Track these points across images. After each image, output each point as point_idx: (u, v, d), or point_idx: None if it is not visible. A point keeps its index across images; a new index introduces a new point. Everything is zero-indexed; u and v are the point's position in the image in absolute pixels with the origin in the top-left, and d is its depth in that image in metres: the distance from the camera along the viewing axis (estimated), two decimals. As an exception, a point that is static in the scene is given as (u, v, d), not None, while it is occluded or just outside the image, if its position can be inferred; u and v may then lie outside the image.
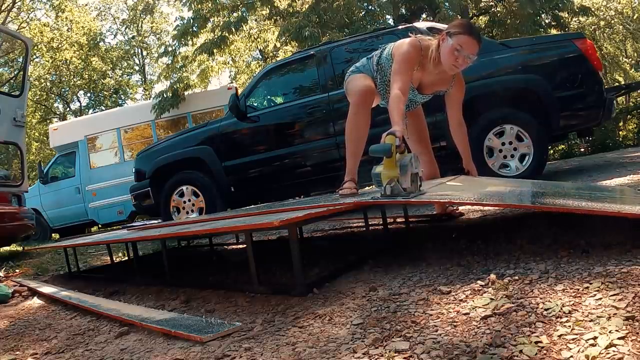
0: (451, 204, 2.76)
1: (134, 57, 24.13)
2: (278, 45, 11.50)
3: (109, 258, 3.53)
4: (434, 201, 2.50)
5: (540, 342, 1.00)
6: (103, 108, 20.58)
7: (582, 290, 1.22)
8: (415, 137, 2.72)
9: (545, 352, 0.97)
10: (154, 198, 4.61)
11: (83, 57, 19.75)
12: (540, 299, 1.23)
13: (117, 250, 4.09)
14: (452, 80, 2.44)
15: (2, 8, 16.65)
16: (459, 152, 3.22)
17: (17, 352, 1.75)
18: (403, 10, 10.74)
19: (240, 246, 3.48)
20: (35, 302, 2.72)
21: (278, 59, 10.16)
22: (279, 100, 4.81)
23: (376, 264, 1.94)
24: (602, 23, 16.73)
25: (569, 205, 1.56)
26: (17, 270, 4.00)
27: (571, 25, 12.47)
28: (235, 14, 10.41)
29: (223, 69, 15.31)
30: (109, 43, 23.69)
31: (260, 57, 16.58)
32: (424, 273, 1.69)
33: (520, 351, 0.98)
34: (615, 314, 1.05)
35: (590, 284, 1.25)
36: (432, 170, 2.77)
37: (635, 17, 17.01)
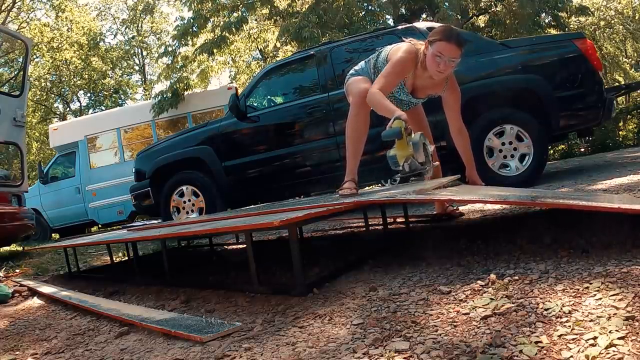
0: (452, 202, 2.77)
1: (134, 57, 24.14)
2: (278, 45, 11.50)
3: (109, 258, 3.53)
4: (435, 199, 2.51)
5: (540, 342, 1.00)
6: (103, 108, 20.59)
7: (582, 290, 1.22)
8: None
9: (545, 352, 0.97)
10: (154, 198, 4.60)
11: (83, 57, 19.74)
12: (540, 299, 1.23)
13: (117, 250, 4.09)
14: (445, 84, 2.45)
15: (2, 8, 16.65)
16: (458, 152, 3.17)
17: (17, 352, 1.75)
18: (403, 10, 10.73)
19: (240, 246, 3.48)
20: (35, 302, 2.72)
21: (278, 59, 10.16)
22: (279, 100, 4.81)
23: (376, 264, 1.94)
24: (602, 23, 16.71)
25: (570, 202, 1.56)
26: (17, 270, 4.00)
27: (571, 25, 12.46)
28: (235, 14, 10.42)
29: (223, 69, 15.35)
30: (109, 43, 23.72)
31: (260, 57, 16.59)
32: (424, 273, 1.70)
33: (520, 351, 0.98)
34: (615, 314, 1.05)
35: (590, 284, 1.25)
36: (435, 169, 2.77)
37: (635, 17, 17.01)
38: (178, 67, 10.99)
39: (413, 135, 1.93)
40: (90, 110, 21.33)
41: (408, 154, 1.89)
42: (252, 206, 4.29)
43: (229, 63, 15.79)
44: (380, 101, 2.18)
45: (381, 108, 2.17)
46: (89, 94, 22.41)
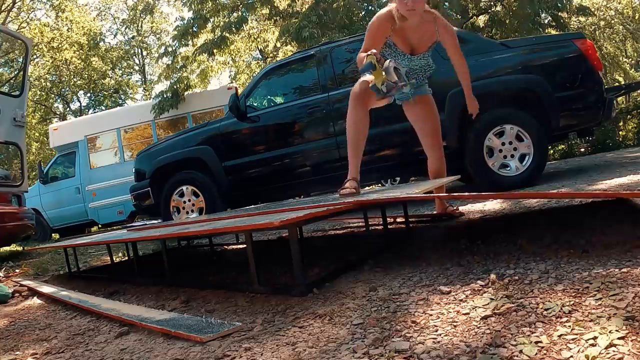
0: (454, 198, 2.77)
1: (134, 57, 24.16)
2: (278, 45, 11.50)
3: (109, 258, 3.53)
4: (435, 197, 2.51)
5: (540, 342, 1.00)
6: (103, 108, 20.60)
7: (582, 290, 1.22)
8: (425, 130, 2.69)
9: (545, 352, 0.97)
10: (154, 198, 4.60)
11: (83, 57, 19.75)
12: (540, 299, 1.23)
13: (117, 250, 4.09)
14: (435, 27, 2.48)
15: (2, 8, 16.65)
16: (458, 150, 3.18)
17: (17, 352, 1.75)
18: (403, 10, 10.72)
19: (240, 246, 3.49)
20: (35, 302, 2.72)
21: (278, 59, 10.16)
22: (279, 100, 4.81)
23: (376, 264, 1.94)
24: (602, 23, 16.71)
25: (571, 191, 1.56)
26: (17, 270, 4.00)
27: (571, 26, 12.45)
28: (235, 14, 10.41)
29: (223, 69, 15.34)
30: (109, 43, 23.74)
31: (260, 57, 16.59)
32: (424, 273, 1.70)
33: (520, 351, 0.98)
34: (615, 314, 1.05)
35: (590, 284, 1.25)
36: (440, 168, 2.72)
37: (635, 17, 17.00)
38: (178, 67, 10.99)
39: (384, 62, 2.22)
40: (90, 110, 21.35)
41: (383, 78, 2.20)
42: (252, 206, 4.29)
43: (229, 63, 15.78)
44: (359, 55, 2.34)
45: (360, 60, 2.31)
46: (89, 94, 22.43)
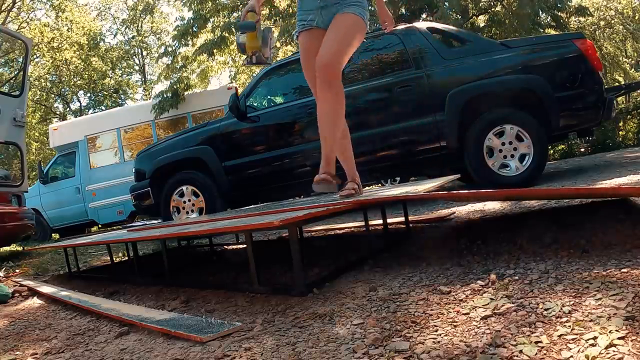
0: (455, 197, 2.77)
1: (134, 57, 24.16)
2: (278, 45, 11.50)
3: (109, 258, 3.53)
4: (434, 197, 2.51)
5: (540, 342, 1.00)
6: (103, 108, 20.61)
7: (582, 290, 1.22)
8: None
9: (545, 352, 0.97)
10: (154, 198, 4.60)
11: (83, 57, 19.76)
12: (540, 299, 1.23)
13: (117, 250, 4.08)
14: None
15: (2, 8, 16.65)
16: (458, 150, 3.12)
17: (17, 352, 1.75)
18: (403, 10, 10.73)
19: (240, 246, 3.49)
20: (35, 302, 2.72)
21: (278, 59, 10.16)
22: (279, 100, 4.81)
23: (376, 264, 1.94)
24: (602, 23, 16.72)
25: (569, 188, 1.56)
26: (17, 270, 4.00)
27: (571, 25, 12.46)
28: (235, 14, 10.42)
29: (223, 69, 15.34)
30: (109, 43, 23.75)
31: (261, 57, 16.56)
32: (424, 273, 1.70)
33: (520, 351, 0.98)
34: (615, 314, 1.05)
35: (590, 284, 1.25)
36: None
37: (635, 17, 17.01)
38: (178, 67, 11.00)
39: (263, 29, 2.12)
40: (90, 110, 21.36)
41: (256, 46, 2.07)
42: (252, 206, 4.29)
43: (229, 63, 15.79)
44: (248, 4, 2.16)
45: (245, 12, 2.16)
46: (89, 94, 22.43)
